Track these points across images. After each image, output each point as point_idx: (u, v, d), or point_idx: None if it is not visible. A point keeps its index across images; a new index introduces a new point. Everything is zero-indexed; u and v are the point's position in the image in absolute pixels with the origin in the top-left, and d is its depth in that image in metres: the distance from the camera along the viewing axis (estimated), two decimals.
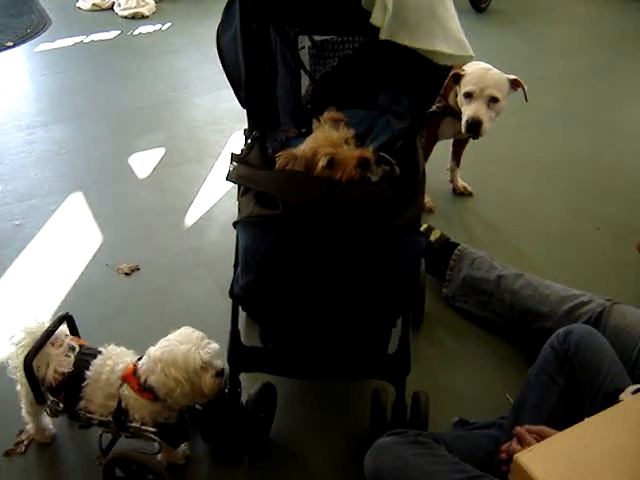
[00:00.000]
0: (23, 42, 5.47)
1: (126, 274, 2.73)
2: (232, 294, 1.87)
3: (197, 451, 2.02)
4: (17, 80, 4.86)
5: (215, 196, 3.29)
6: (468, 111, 2.68)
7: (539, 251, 2.91)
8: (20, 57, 5.25)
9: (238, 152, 1.95)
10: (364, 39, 2.09)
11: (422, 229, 2.60)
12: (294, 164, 1.70)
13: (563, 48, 5.49)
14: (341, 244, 1.64)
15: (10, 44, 5.39)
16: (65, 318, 1.91)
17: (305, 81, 2.21)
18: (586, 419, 0.97)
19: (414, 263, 1.83)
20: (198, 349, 1.74)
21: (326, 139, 1.70)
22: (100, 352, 1.85)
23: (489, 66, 2.75)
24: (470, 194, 3.31)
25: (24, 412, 1.93)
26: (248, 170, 1.81)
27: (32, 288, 2.66)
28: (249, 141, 2.00)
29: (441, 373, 2.28)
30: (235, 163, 1.85)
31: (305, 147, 1.72)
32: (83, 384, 1.79)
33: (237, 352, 1.91)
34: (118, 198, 3.30)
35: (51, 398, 1.84)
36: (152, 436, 1.78)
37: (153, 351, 1.77)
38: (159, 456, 1.87)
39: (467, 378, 2.27)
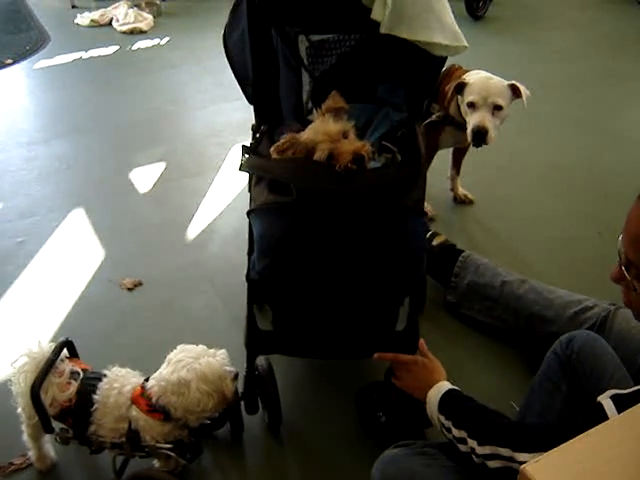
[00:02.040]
0: (22, 59, 5.49)
1: (129, 289, 2.72)
2: (249, 279, 1.94)
3: (206, 464, 2.01)
4: (17, 97, 4.88)
5: (216, 209, 3.29)
6: (473, 120, 2.68)
7: (541, 257, 2.90)
8: (20, 74, 5.27)
9: (248, 145, 2.06)
10: (361, 36, 2.16)
11: (427, 235, 2.65)
12: (295, 148, 1.79)
13: (560, 53, 5.51)
14: (352, 226, 1.74)
15: (10, 61, 5.41)
16: (66, 344, 1.89)
17: (307, 79, 2.28)
18: (593, 428, 0.97)
19: (420, 242, 1.93)
20: (215, 358, 1.79)
21: (325, 132, 1.78)
22: (105, 375, 1.84)
23: (490, 75, 2.76)
24: (471, 202, 3.31)
25: (25, 437, 1.90)
26: (260, 160, 1.92)
27: (35, 305, 2.66)
28: (257, 135, 2.12)
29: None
30: (247, 155, 1.95)
31: (306, 137, 1.81)
32: (92, 409, 1.78)
33: (254, 336, 1.99)
34: (120, 213, 3.31)
35: (60, 426, 1.83)
36: (168, 452, 1.78)
37: (167, 373, 1.77)
38: (155, 463, 1.87)
39: (472, 386, 2.24)
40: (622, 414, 1.04)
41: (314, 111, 1.94)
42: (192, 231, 3.12)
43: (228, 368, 1.81)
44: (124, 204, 3.38)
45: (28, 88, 5.09)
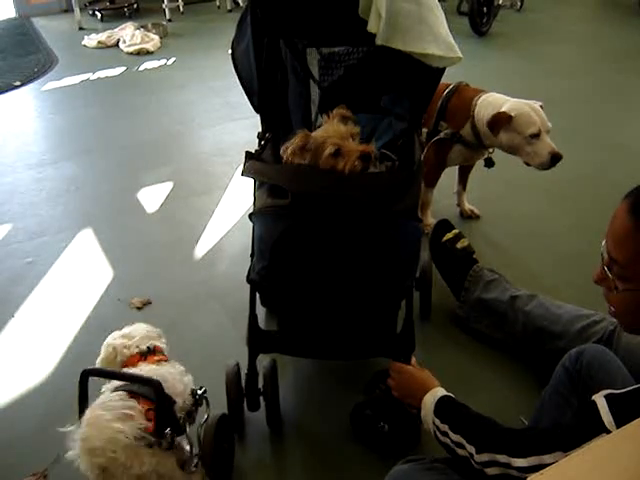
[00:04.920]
0: (31, 81, 5.55)
1: (138, 308, 2.73)
2: (249, 279, 1.99)
3: None
4: (26, 119, 4.92)
5: (224, 228, 3.31)
6: (547, 149, 2.76)
7: (548, 271, 2.90)
8: (28, 96, 5.32)
9: (252, 151, 2.10)
10: (367, 49, 2.24)
11: (451, 234, 2.65)
12: (306, 145, 1.85)
13: (565, 67, 5.52)
14: (345, 229, 1.79)
15: (18, 84, 5.47)
16: None
17: (315, 90, 2.36)
18: (597, 440, 0.97)
19: (412, 246, 1.95)
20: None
21: (335, 131, 1.86)
22: None
23: (518, 99, 2.84)
24: (477, 217, 3.32)
25: None
26: (261, 165, 1.98)
27: (45, 325, 2.67)
28: (262, 142, 2.19)
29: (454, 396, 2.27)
30: (250, 160, 2.00)
31: (316, 135, 1.87)
32: None
33: (255, 336, 2.05)
34: (128, 233, 3.33)
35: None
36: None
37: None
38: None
39: (481, 401, 2.24)
40: (624, 427, 1.03)
41: (323, 117, 2.01)
42: (200, 250, 3.14)
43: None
44: (132, 224, 3.40)
45: (36, 110, 5.14)
